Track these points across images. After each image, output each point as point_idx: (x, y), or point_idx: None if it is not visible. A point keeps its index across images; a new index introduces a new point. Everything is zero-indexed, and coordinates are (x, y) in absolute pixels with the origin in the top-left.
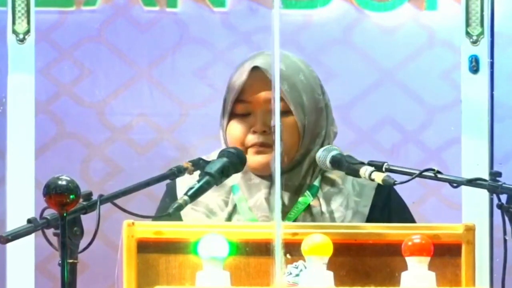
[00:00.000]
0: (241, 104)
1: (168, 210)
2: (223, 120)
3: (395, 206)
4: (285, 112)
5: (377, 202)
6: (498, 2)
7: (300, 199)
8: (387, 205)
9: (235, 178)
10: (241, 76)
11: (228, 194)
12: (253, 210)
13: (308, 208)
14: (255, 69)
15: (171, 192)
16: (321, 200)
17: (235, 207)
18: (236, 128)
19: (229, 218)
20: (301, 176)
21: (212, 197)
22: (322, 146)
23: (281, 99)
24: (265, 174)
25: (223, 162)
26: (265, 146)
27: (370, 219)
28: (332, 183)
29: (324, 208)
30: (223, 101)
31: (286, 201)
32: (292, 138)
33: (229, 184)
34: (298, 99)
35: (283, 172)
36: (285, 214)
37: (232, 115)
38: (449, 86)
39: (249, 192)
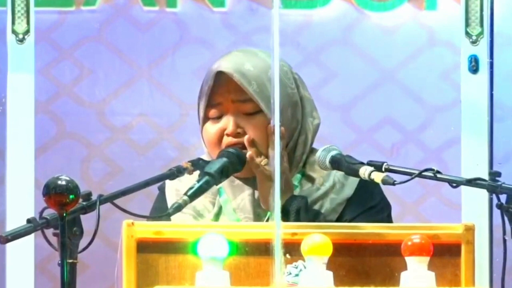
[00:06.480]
0: (212, 109)
1: (168, 210)
2: (199, 125)
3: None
4: (257, 112)
5: (353, 199)
6: (497, 2)
7: None
8: (361, 204)
9: None
10: (208, 81)
11: (215, 196)
12: (237, 211)
13: None
14: (219, 73)
15: (161, 195)
16: None
17: (220, 208)
18: (210, 131)
19: (215, 219)
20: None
21: (200, 199)
22: (298, 139)
23: (251, 100)
24: (247, 176)
25: (223, 162)
26: (242, 148)
27: (343, 213)
28: (313, 181)
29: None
30: (197, 106)
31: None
32: (265, 137)
33: (216, 186)
34: (269, 97)
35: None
36: (265, 212)
37: (206, 119)
38: (449, 86)
39: (233, 193)
